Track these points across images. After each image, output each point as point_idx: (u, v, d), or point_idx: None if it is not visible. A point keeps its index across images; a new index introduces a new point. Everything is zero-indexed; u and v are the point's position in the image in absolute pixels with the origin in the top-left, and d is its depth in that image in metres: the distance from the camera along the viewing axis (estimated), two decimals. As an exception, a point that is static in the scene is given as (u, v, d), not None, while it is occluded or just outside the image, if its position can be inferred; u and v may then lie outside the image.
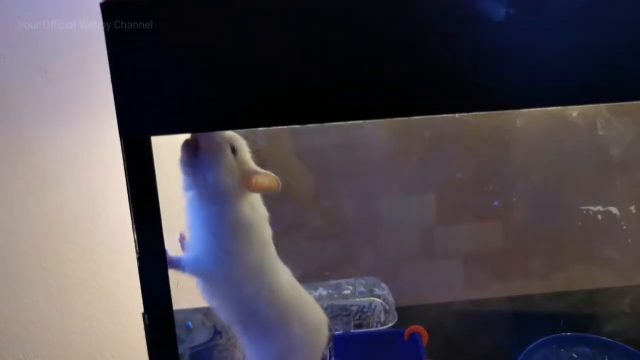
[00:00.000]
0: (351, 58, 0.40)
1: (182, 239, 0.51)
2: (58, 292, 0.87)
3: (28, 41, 0.80)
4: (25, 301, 0.85)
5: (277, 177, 0.50)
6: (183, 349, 0.77)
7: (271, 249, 0.53)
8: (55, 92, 0.83)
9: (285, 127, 0.45)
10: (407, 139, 0.89)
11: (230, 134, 0.49)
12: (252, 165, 0.51)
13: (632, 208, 0.85)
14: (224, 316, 0.52)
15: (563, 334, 0.84)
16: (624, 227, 0.85)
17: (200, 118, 0.41)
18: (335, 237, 0.92)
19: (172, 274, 0.47)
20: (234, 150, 0.49)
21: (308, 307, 0.56)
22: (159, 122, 0.41)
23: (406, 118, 0.44)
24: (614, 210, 0.84)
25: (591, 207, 0.85)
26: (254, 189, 0.49)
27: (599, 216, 0.86)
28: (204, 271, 0.49)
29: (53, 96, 0.83)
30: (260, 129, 0.83)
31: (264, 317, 0.52)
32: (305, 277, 0.78)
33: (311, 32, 0.40)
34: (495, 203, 0.90)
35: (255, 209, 0.51)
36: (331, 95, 0.41)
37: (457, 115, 0.42)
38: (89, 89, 0.82)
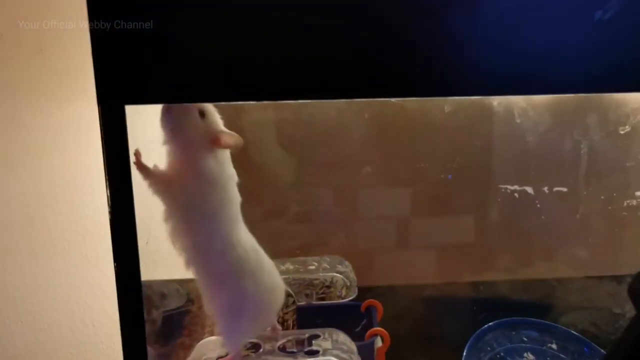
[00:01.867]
0: (331, 36, 0.45)
1: (137, 155, 0.55)
2: (44, 261, 0.90)
3: (25, 21, 0.84)
4: (12, 267, 0.88)
5: (240, 136, 0.57)
6: (157, 314, 0.82)
7: (232, 209, 0.58)
8: (49, 70, 0.86)
9: (254, 102, 0.50)
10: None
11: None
12: (221, 126, 0.58)
13: (545, 189, 0.91)
14: (184, 256, 0.57)
15: (514, 318, 0.88)
16: (538, 206, 0.92)
17: (169, 90, 0.46)
18: (308, 220, 0.98)
19: (142, 233, 0.53)
20: (202, 114, 0.56)
21: (265, 270, 0.61)
22: (132, 93, 0.47)
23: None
24: (530, 189, 0.91)
25: (508, 187, 0.92)
26: (220, 145, 0.57)
27: (516, 194, 0.92)
28: (164, 195, 0.56)
29: (47, 74, 0.86)
30: (247, 115, 0.88)
31: (217, 267, 0.57)
32: (276, 254, 0.83)
33: (290, 16, 0.45)
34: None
35: (221, 166, 0.57)
36: (308, 73, 0.45)
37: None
38: (81, 69, 0.84)
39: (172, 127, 0.55)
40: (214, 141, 0.56)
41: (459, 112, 0.93)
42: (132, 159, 0.49)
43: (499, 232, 0.99)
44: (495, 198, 0.95)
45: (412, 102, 0.90)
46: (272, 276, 0.62)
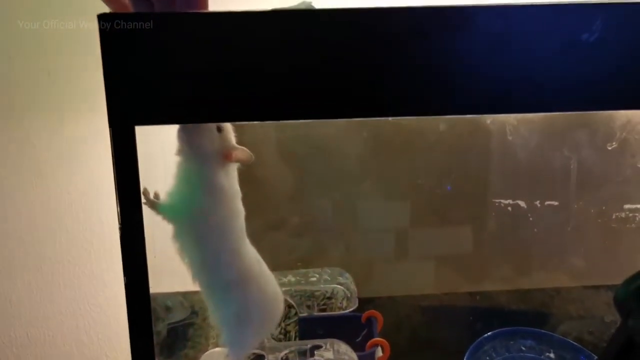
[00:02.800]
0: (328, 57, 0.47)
1: (146, 194, 0.57)
2: (50, 276, 0.92)
3: (33, 43, 0.86)
4: (19, 283, 0.91)
5: (250, 152, 0.60)
6: (162, 326, 0.84)
7: (239, 222, 0.60)
8: (56, 91, 0.89)
9: (259, 122, 0.52)
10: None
11: None
12: (233, 142, 0.60)
13: (537, 203, 0.94)
14: (192, 270, 0.59)
15: (512, 327, 0.89)
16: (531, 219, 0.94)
17: (179, 111, 0.49)
18: (308, 232, 1.00)
19: (150, 248, 0.55)
20: (219, 129, 0.58)
21: (267, 280, 0.62)
22: (142, 115, 0.49)
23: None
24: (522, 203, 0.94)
25: (502, 200, 0.95)
26: (232, 160, 0.59)
27: (509, 208, 0.94)
28: (175, 216, 0.57)
29: (54, 95, 0.89)
30: (250, 132, 0.91)
31: (224, 275, 0.59)
32: (278, 266, 0.85)
33: (295, 37, 0.47)
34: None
35: (230, 182, 0.59)
36: (309, 93, 0.47)
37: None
38: (87, 90, 0.88)
39: (190, 139, 0.56)
40: (227, 156, 0.58)
41: (454, 129, 0.95)
42: (143, 200, 0.50)
43: (495, 243, 1.01)
44: (491, 211, 0.97)
45: (409, 120, 0.93)
46: (272, 285, 0.64)
